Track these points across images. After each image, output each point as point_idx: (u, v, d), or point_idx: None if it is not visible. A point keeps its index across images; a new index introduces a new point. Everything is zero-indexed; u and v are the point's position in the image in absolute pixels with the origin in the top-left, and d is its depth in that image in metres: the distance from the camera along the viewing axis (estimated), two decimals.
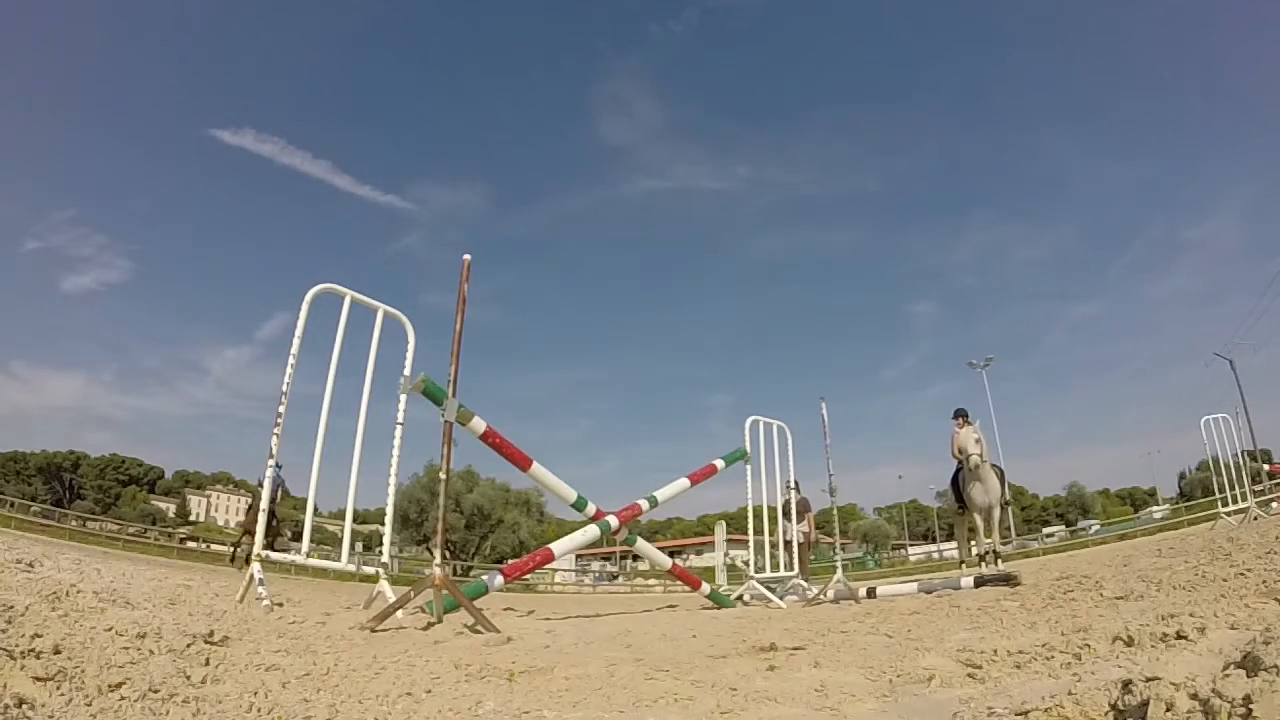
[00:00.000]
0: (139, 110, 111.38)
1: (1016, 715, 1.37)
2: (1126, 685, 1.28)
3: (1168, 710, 1.14)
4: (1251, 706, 1.03)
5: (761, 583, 7.25)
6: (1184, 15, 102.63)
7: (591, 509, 5.90)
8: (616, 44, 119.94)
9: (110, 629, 2.10)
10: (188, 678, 1.79)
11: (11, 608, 2.02)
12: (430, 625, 3.67)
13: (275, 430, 4.43)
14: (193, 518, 78.63)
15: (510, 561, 11.03)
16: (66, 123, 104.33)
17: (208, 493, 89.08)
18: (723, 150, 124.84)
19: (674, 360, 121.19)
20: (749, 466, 7.41)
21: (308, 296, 4.76)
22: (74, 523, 24.04)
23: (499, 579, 5.06)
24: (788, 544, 7.96)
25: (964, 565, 8.80)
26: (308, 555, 5.04)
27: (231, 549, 16.23)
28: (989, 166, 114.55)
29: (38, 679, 1.51)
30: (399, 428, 4.97)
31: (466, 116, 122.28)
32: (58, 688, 1.51)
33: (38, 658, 1.63)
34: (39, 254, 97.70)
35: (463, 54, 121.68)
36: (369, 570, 5.71)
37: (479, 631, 3.42)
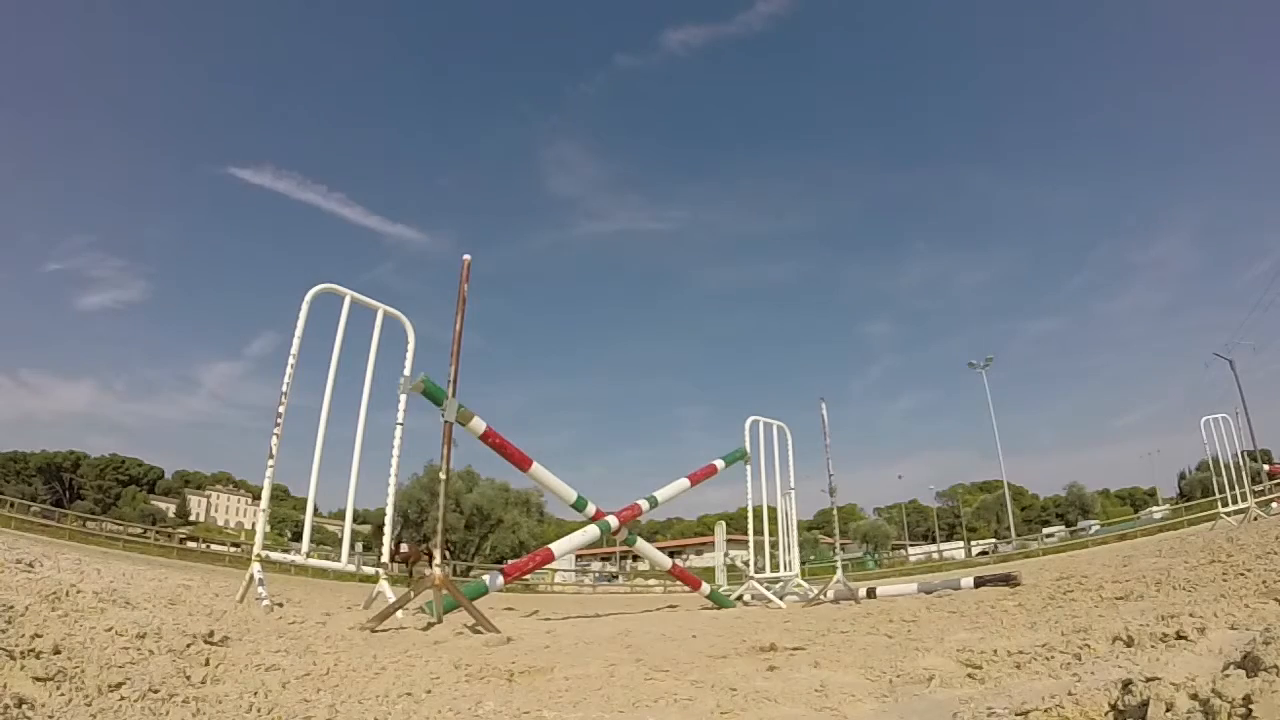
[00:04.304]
0: (162, 145, 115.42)
1: (1016, 715, 1.37)
2: (1126, 685, 1.28)
3: (1168, 710, 1.14)
4: (1251, 706, 1.03)
5: (761, 583, 7.25)
6: (1095, 52, 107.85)
7: (591, 509, 5.90)
8: (537, 105, 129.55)
9: (110, 629, 2.10)
10: (188, 678, 1.79)
11: (11, 608, 2.02)
12: (430, 625, 3.67)
13: (275, 431, 4.43)
14: (193, 518, 78.60)
15: (510, 561, 11.02)
16: (83, 153, 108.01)
17: (207, 493, 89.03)
18: (658, 197, 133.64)
19: (642, 378, 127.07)
20: (749, 467, 7.41)
21: (308, 296, 4.76)
22: (74, 523, 24.02)
23: (499, 579, 5.06)
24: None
25: None
26: (307, 555, 5.04)
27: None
28: (917, 202, 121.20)
29: (38, 679, 1.51)
30: (399, 428, 4.97)
31: (430, 172, 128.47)
32: (58, 688, 1.51)
33: (38, 658, 1.63)
34: (57, 275, 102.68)
35: (415, 115, 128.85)
36: (369, 570, 5.71)
37: (479, 631, 3.42)
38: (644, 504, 6.48)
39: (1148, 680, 1.25)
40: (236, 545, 30.53)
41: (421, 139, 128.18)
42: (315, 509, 5.25)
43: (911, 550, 47.60)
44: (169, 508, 75.73)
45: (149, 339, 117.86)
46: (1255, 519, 10.32)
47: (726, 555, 18.95)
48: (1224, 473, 11.73)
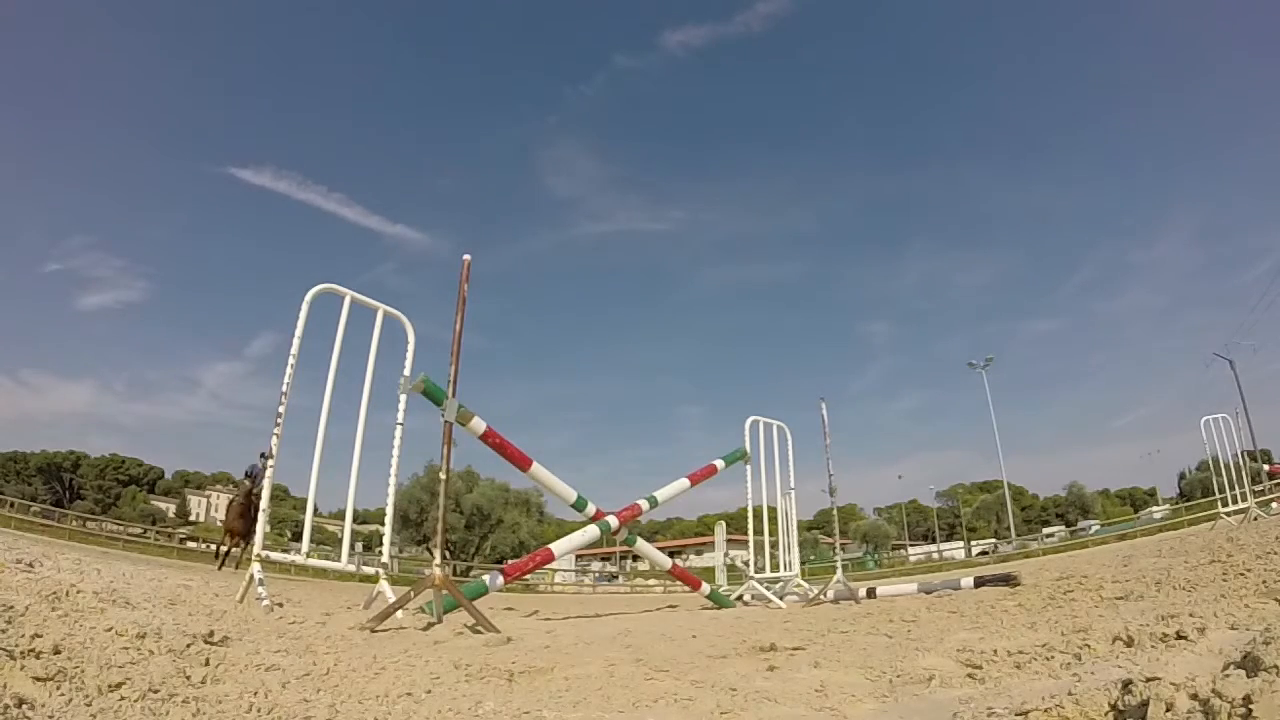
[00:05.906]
0: (162, 145, 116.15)
1: (1016, 715, 1.37)
2: (1126, 685, 1.28)
3: (1168, 710, 1.14)
4: (1251, 706, 1.03)
5: (761, 583, 7.26)
6: (1095, 52, 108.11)
7: (591, 509, 5.90)
8: (537, 105, 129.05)
9: (110, 629, 2.10)
10: (188, 678, 1.79)
11: (11, 608, 2.02)
12: (430, 625, 3.67)
13: (275, 430, 4.43)
14: (193, 518, 78.62)
15: (510, 561, 11.01)
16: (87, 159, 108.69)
17: (207, 493, 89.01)
18: (658, 197, 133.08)
19: (642, 378, 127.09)
20: (749, 467, 7.41)
21: (308, 296, 4.76)
22: (74, 523, 24.03)
23: (499, 579, 5.06)
24: None
25: None
26: (307, 555, 5.04)
27: (217, 548, 15.06)
28: (917, 202, 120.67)
29: (38, 679, 1.51)
30: (399, 428, 4.97)
31: (430, 173, 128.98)
32: (58, 688, 1.51)
33: (38, 658, 1.62)
34: (57, 275, 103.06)
35: (415, 115, 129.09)
36: (369, 570, 5.71)
37: (479, 631, 3.43)
38: (644, 504, 6.48)
39: (1148, 680, 1.25)
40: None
41: (421, 139, 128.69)
42: (315, 509, 5.25)
43: (911, 550, 47.56)
44: (169, 508, 75.78)
45: (149, 339, 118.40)
46: (1255, 519, 10.32)
47: (726, 555, 18.95)
48: (1224, 473, 11.73)
